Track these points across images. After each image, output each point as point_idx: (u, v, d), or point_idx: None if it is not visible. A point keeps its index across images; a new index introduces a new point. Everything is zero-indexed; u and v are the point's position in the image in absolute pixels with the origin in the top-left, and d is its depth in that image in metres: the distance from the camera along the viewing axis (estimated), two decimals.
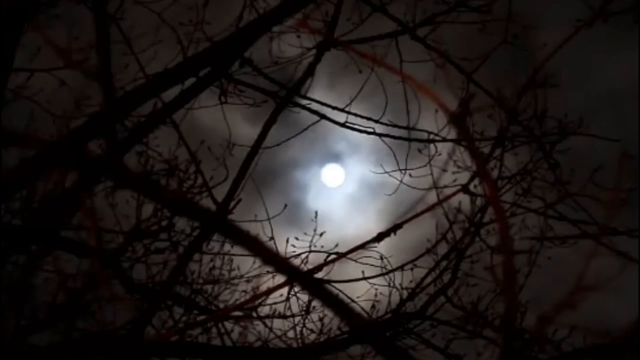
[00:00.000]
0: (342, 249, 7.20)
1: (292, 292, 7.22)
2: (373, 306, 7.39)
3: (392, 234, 6.67)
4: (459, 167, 7.43)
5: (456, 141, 7.33)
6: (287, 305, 7.28)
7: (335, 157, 8.44)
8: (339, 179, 8.51)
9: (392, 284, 7.38)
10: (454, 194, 7.40)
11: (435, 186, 7.28)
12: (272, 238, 7.17)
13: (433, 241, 7.42)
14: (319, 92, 7.16)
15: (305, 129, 7.22)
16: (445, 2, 7.21)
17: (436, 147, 7.39)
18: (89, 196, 6.47)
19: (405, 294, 7.42)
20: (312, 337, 7.32)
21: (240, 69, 7.01)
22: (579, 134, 7.40)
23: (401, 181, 7.38)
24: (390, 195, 7.44)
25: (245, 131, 7.28)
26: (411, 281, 7.44)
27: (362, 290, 7.33)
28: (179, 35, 7.02)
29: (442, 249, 7.47)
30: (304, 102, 7.09)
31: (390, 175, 7.43)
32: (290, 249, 7.37)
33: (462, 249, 7.48)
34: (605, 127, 7.27)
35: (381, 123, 7.25)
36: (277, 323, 7.31)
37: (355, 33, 7.18)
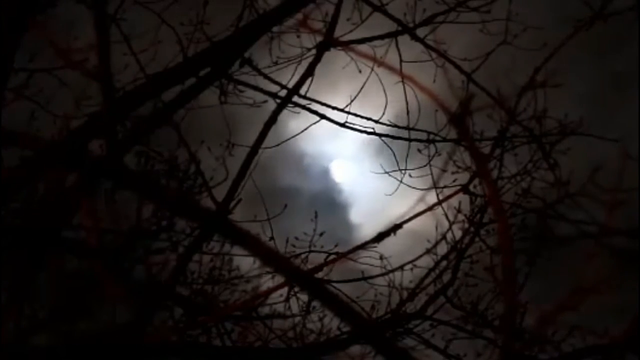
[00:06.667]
0: (341, 249, 7.21)
1: (292, 292, 7.23)
2: (373, 306, 7.40)
3: (392, 234, 6.68)
4: (459, 167, 7.44)
5: (456, 141, 7.34)
6: (287, 305, 7.28)
7: (337, 157, 8.45)
8: (341, 178, 8.52)
9: (392, 284, 7.38)
10: (454, 194, 7.40)
11: (435, 186, 7.29)
12: (272, 238, 7.18)
13: (433, 241, 7.43)
14: (319, 92, 7.16)
15: (305, 129, 7.23)
16: (445, 2, 7.21)
17: (436, 147, 7.39)
18: (89, 196, 6.47)
19: (405, 294, 7.43)
20: (312, 337, 7.32)
21: (240, 69, 7.01)
22: (579, 134, 7.40)
23: (401, 181, 7.39)
24: (390, 195, 7.45)
25: (246, 131, 7.28)
26: (411, 281, 7.45)
27: (362, 290, 7.34)
28: (179, 35, 7.02)
29: (442, 249, 7.49)
30: (304, 102, 7.09)
31: (390, 175, 7.43)
32: (290, 249, 7.37)
33: (462, 249, 7.49)
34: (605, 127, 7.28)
35: (381, 123, 7.25)
36: (277, 323, 7.32)
37: (355, 33, 7.18)
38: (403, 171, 7.39)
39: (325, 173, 8.54)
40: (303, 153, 8.19)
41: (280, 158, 7.64)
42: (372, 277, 7.33)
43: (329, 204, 8.16)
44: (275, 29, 6.99)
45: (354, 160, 8.44)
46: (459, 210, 7.50)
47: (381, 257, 7.26)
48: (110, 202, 6.86)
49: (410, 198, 7.43)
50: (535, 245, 7.35)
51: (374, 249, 7.09)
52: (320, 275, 7.03)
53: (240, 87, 7.12)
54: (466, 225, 7.52)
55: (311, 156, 8.31)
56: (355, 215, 8.37)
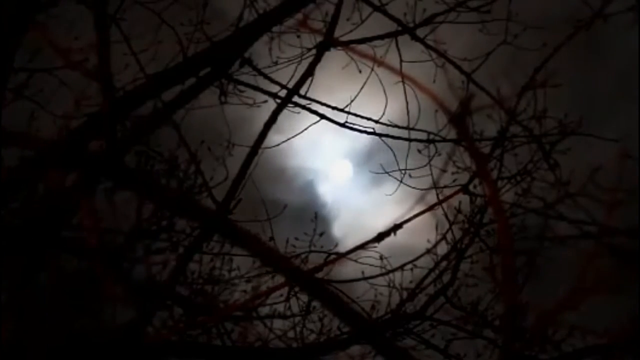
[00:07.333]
0: (341, 249, 7.21)
1: (292, 292, 7.23)
2: (373, 306, 7.40)
3: (392, 234, 6.68)
4: (458, 167, 7.44)
5: (456, 141, 7.34)
6: (287, 305, 7.28)
7: (338, 157, 8.42)
8: (342, 178, 8.50)
9: (392, 284, 7.39)
10: (454, 194, 7.40)
11: (435, 186, 7.29)
12: (272, 238, 7.17)
13: (433, 241, 7.43)
14: (319, 92, 7.15)
15: (305, 129, 7.23)
16: (445, 2, 7.21)
17: (436, 147, 7.39)
18: (89, 196, 6.48)
19: (405, 294, 7.43)
20: (312, 337, 7.32)
21: (240, 69, 7.01)
22: (579, 134, 7.41)
23: (401, 181, 7.38)
24: (390, 195, 7.44)
25: (246, 131, 7.28)
26: (411, 281, 7.45)
27: (362, 290, 7.34)
28: (179, 35, 7.02)
29: (442, 249, 7.49)
30: (304, 102, 7.09)
31: (390, 175, 7.43)
32: (290, 249, 7.37)
33: (462, 249, 7.49)
34: (605, 127, 7.29)
35: (381, 123, 7.25)
36: (277, 323, 7.32)
37: (355, 33, 7.19)
38: (403, 171, 7.39)
39: (308, 186, 8.49)
40: (285, 166, 8.14)
41: (263, 170, 7.60)
42: (372, 277, 7.33)
43: (312, 217, 8.03)
44: (275, 29, 7.00)
45: (339, 171, 8.44)
46: (459, 210, 7.50)
47: (381, 257, 7.27)
48: (110, 202, 6.87)
49: (410, 198, 7.43)
50: (535, 245, 7.35)
51: (374, 249, 7.10)
52: (320, 275, 7.03)
53: (240, 87, 7.12)
54: (466, 225, 7.52)
55: (294, 169, 8.26)
56: (338, 228, 8.31)
